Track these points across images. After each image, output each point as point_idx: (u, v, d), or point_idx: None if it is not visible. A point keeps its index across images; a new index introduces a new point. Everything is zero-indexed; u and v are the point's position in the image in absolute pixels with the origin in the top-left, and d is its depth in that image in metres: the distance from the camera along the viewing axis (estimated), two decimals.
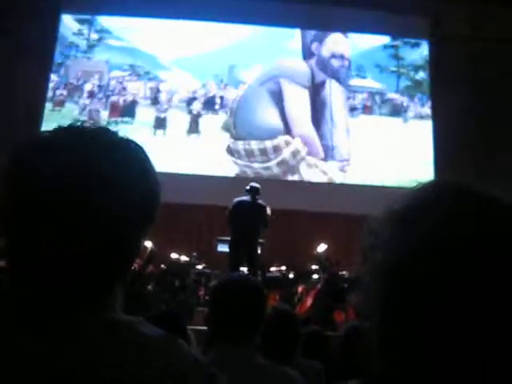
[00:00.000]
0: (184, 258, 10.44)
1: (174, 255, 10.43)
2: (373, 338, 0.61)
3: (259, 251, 8.89)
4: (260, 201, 7.83)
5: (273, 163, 12.73)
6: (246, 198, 7.81)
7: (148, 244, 7.70)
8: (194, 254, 10.55)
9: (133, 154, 0.84)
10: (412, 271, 0.57)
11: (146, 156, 0.86)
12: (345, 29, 13.53)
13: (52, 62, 13.30)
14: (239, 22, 13.59)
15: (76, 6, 13.36)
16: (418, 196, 0.63)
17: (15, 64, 12.05)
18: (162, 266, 9.95)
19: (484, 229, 0.57)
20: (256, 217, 7.66)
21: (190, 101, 13.21)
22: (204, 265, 10.29)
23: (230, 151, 12.71)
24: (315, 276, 9.48)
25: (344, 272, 9.08)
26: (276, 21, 13.42)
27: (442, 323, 0.55)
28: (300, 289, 9.33)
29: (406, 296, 0.57)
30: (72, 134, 0.82)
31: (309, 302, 8.48)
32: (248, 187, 7.89)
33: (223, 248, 8.99)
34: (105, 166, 0.79)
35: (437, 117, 13.10)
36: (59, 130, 0.83)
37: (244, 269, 7.96)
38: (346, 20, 13.22)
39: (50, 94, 13.11)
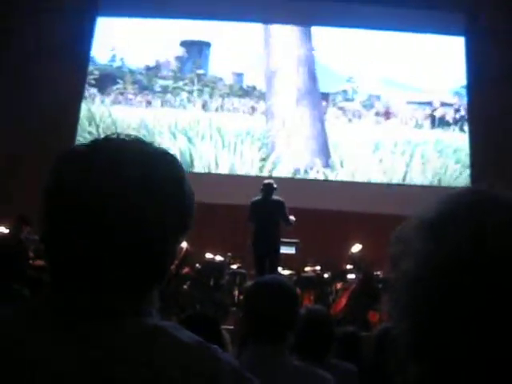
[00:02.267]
0: (219, 258, 10.47)
1: (208, 255, 10.47)
2: (402, 345, 0.61)
3: (294, 251, 8.84)
4: (275, 197, 7.61)
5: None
6: (260, 197, 7.62)
7: (183, 244, 7.77)
8: (229, 253, 10.58)
9: (166, 165, 0.86)
10: (442, 281, 0.57)
11: (180, 166, 0.88)
12: (377, 26, 13.35)
13: (87, 64, 13.50)
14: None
15: (112, 10, 13.54)
16: (451, 204, 0.62)
17: (48, 66, 12.24)
18: (197, 265, 10.01)
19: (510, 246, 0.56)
20: (272, 214, 7.42)
21: None
22: (239, 265, 10.31)
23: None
24: (350, 276, 9.42)
25: (379, 272, 9.00)
26: (300, 19, 13.37)
27: (471, 334, 0.55)
28: (339, 285, 9.30)
29: (435, 305, 0.57)
30: (107, 149, 0.84)
31: (343, 302, 8.44)
32: (261, 186, 7.71)
33: None
34: (139, 178, 0.81)
35: (474, 115, 12.87)
36: (95, 143, 0.86)
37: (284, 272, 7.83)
38: (377, 17, 13.05)
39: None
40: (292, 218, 7.70)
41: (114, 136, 0.87)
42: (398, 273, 0.62)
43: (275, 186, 7.68)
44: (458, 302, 0.56)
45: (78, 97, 13.17)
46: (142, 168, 0.82)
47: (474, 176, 12.36)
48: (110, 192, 0.79)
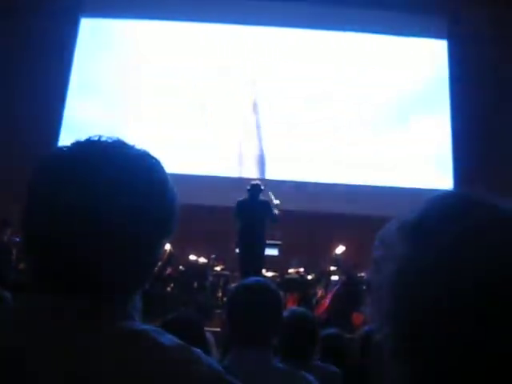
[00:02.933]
0: (202, 260, 10.47)
1: (192, 257, 10.47)
2: (385, 349, 0.61)
3: (276, 253, 8.85)
4: (261, 198, 7.62)
5: None
6: (247, 197, 7.61)
7: (166, 246, 7.76)
8: (213, 255, 10.57)
9: (148, 168, 0.86)
10: (424, 285, 0.56)
11: (162, 168, 0.88)
12: (360, 30, 13.41)
13: (71, 64, 13.38)
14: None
15: (95, 10, 13.46)
16: (434, 208, 0.62)
17: (34, 67, 12.16)
18: (181, 267, 10.01)
19: (497, 245, 0.56)
20: (259, 215, 7.43)
21: None
22: (222, 266, 10.32)
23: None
24: (334, 277, 9.46)
25: (362, 274, 9.05)
26: (284, 21, 13.38)
27: (455, 339, 0.55)
28: (320, 292, 9.33)
29: (417, 310, 0.57)
30: (88, 150, 0.84)
31: (327, 303, 8.47)
32: (248, 186, 7.71)
33: None
34: (120, 181, 0.80)
35: (456, 117, 12.98)
36: (76, 145, 0.85)
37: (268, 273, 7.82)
38: (360, 21, 13.11)
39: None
40: (276, 202, 7.68)
41: (96, 138, 0.86)
42: (381, 277, 0.62)
43: (263, 187, 7.68)
44: (441, 307, 0.55)
45: (62, 97, 13.07)
46: (123, 171, 0.82)
47: (457, 177, 12.47)
48: (91, 195, 0.79)
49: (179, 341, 0.81)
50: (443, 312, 0.55)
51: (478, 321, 0.54)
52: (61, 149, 0.86)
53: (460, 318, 0.54)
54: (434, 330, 0.56)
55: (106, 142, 0.85)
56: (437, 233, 0.58)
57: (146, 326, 0.81)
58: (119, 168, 0.81)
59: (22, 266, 7.39)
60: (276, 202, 7.72)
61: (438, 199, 0.63)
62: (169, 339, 0.80)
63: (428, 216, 0.61)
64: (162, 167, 0.88)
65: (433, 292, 0.56)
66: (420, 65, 13.42)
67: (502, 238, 0.56)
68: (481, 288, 0.54)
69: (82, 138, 0.86)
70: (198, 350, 0.82)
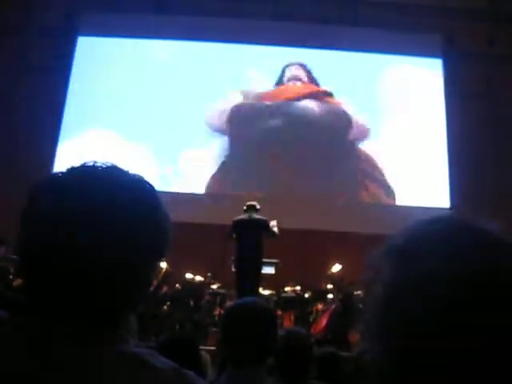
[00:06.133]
0: (199, 278, 10.43)
1: (188, 275, 10.42)
2: (374, 369, 0.61)
3: (273, 271, 8.83)
4: (258, 216, 7.67)
5: None
6: (244, 216, 7.67)
7: (163, 264, 7.74)
8: (209, 274, 10.53)
9: (142, 193, 0.86)
10: (409, 308, 0.57)
11: (156, 194, 0.89)
12: (356, 48, 13.50)
13: (68, 84, 13.40)
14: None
15: (92, 29, 13.52)
16: (420, 231, 0.63)
17: (31, 85, 12.19)
18: (177, 285, 9.96)
19: (481, 271, 0.57)
20: (255, 234, 7.48)
21: None
22: (219, 285, 10.27)
23: None
24: (330, 296, 9.43)
25: (359, 292, 9.02)
26: (280, 40, 13.48)
27: (437, 362, 0.55)
28: (320, 306, 9.29)
29: (404, 332, 0.57)
30: (83, 176, 0.84)
31: (323, 322, 8.44)
32: (245, 206, 7.79)
33: None
34: (113, 207, 0.81)
35: (451, 133, 13.02)
36: (71, 171, 0.86)
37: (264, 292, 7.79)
38: (356, 39, 13.22)
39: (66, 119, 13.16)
40: (273, 223, 7.69)
41: (91, 163, 0.87)
42: (369, 299, 0.62)
43: (258, 207, 7.73)
44: (428, 331, 0.56)
45: (59, 115, 13.07)
46: (117, 196, 0.82)
47: (453, 193, 12.49)
48: (84, 220, 0.79)
49: (172, 363, 0.82)
50: (430, 336, 0.56)
51: (462, 344, 0.55)
52: (55, 175, 0.87)
53: (446, 341, 0.55)
54: (420, 354, 0.56)
55: (100, 167, 0.86)
56: (423, 258, 0.59)
57: (139, 349, 0.81)
58: (112, 194, 0.82)
59: (16, 283, 7.33)
60: (273, 223, 7.72)
61: (425, 223, 0.64)
62: (162, 362, 0.81)
63: (415, 241, 0.61)
64: (154, 192, 0.89)
65: (419, 316, 0.56)
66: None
67: (487, 263, 0.57)
68: (466, 312, 0.55)
69: (77, 163, 0.87)
70: (191, 373, 0.82)
